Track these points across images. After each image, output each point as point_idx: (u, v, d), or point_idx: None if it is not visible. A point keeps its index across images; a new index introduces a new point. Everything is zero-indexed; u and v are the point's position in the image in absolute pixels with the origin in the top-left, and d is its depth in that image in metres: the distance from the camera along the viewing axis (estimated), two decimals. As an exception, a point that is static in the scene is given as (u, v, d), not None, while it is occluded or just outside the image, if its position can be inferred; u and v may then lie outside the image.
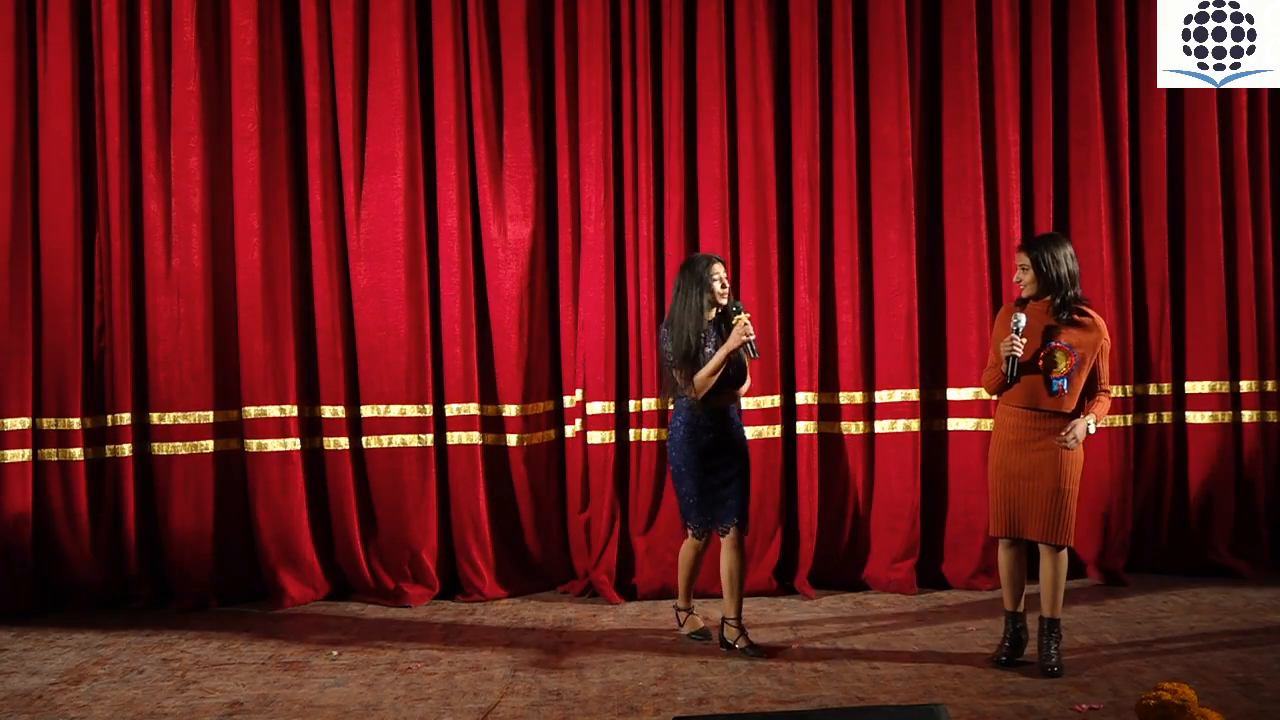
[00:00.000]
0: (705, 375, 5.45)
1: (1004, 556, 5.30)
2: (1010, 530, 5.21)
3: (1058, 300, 5.13)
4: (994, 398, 5.35)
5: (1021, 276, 5.19)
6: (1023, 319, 5.11)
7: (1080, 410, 5.17)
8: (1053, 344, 5.10)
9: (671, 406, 5.73)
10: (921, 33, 6.94)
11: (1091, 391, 5.19)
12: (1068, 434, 5.09)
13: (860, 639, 5.77)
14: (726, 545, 5.59)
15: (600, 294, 6.78)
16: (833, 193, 6.86)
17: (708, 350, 5.49)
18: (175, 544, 6.63)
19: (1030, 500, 5.14)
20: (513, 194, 6.85)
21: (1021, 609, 5.33)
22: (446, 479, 6.85)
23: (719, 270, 5.54)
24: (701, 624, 5.86)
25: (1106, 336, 5.21)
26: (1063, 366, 5.09)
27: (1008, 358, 5.09)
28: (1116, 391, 6.90)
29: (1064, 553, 5.19)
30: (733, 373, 5.54)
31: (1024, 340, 5.09)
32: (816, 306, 6.83)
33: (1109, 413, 6.80)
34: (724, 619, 5.65)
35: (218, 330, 6.74)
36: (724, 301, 5.53)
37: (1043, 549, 5.19)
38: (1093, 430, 5.14)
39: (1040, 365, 5.11)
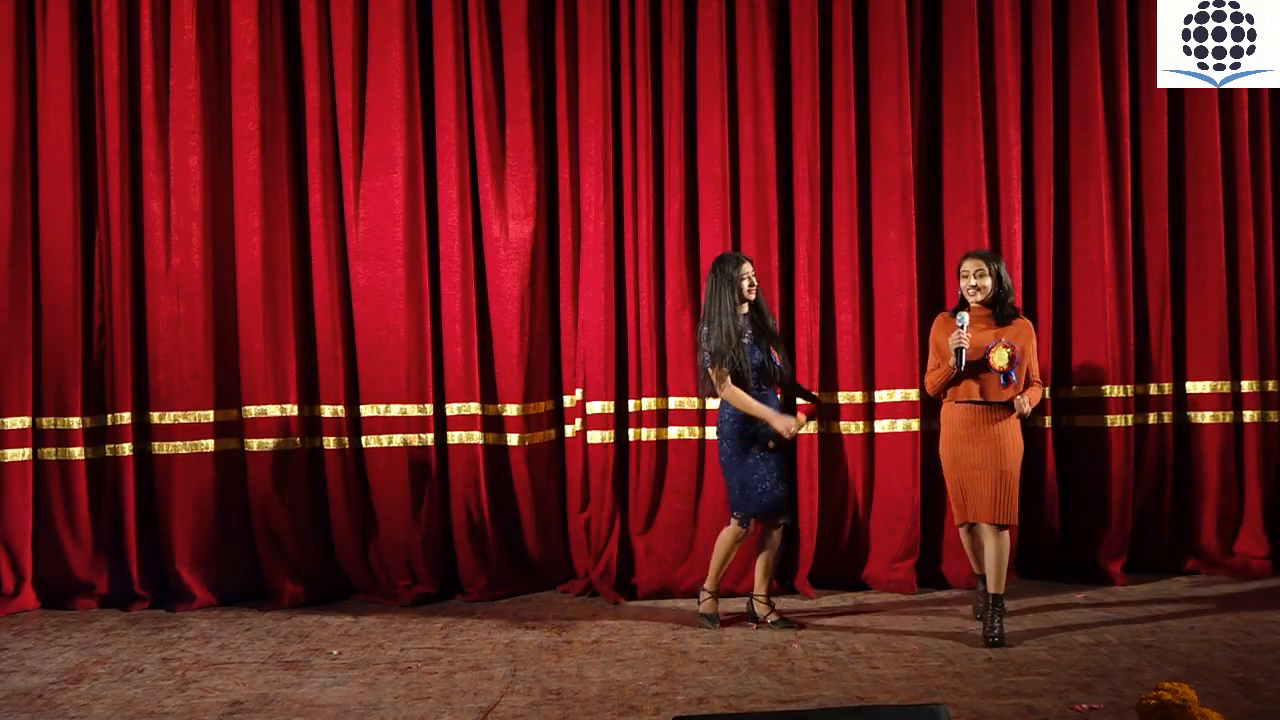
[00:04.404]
0: (740, 401, 5.82)
1: (966, 539, 5.90)
2: (970, 517, 5.73)
3: (1001, 308, 5.72)
4: (941, 398, 5.87)
5: (978, 283, 5.71)
6: (966, 317, 5.63)
7: (1014, 400, 5.71)
8: (997, 342, 5.63)
9: (715, 403, 6.14)
10: (922, 32, 6.93)
11: (1027, 384, 5.73)
12: (1023, 401, 5.65)
13: (860, 639, 5.77)
14: (768, 531, 5.95)
15: (600, 293, 6.78)
16: (833, 192, 6.86)
17: (745, 342, 5.82)
18: (175, 543, 6.63)
19: (980, 486, 5.65)
20: (514, 193, 6.85)
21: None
22: (447, 478, 6.85)
23: (748, 270, 5.89)
24: (716, 610, 6.00)
25: (1032, 335, 5.79)
26: (1007, 361, 5.63)
27: (957, 350, 5.59)
28: (1118, 391, 6.92)
29: (1006, 533, 5.68)
30: (769, 370, 5.91)
31: (969, 335, 5.60)
32: (816, 306, 6.82)
33: (1119, 412, 6.93)
34: (755, 596, 6.03)
35: (218, 329, 6.75)
36: (750, 297, 5.88)
37: (988, 530, 5.67)
38: (1027, 409, 5.67)
39: (989, 362, 5.63)
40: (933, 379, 5.81)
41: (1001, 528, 5.62)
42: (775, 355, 5.91)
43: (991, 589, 5.63)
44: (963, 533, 5.88)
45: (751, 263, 5.96)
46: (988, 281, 5.68)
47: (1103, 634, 5.76)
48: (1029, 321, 5.79)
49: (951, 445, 5.76)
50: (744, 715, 4.45)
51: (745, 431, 5.86)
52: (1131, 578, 6.82)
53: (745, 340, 5.83)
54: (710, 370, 5.86)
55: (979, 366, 5.64)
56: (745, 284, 5.84)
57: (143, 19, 6.66)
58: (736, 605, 6.22)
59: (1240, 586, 6.68)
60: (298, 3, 6.78)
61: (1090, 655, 5.41)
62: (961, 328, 5.59)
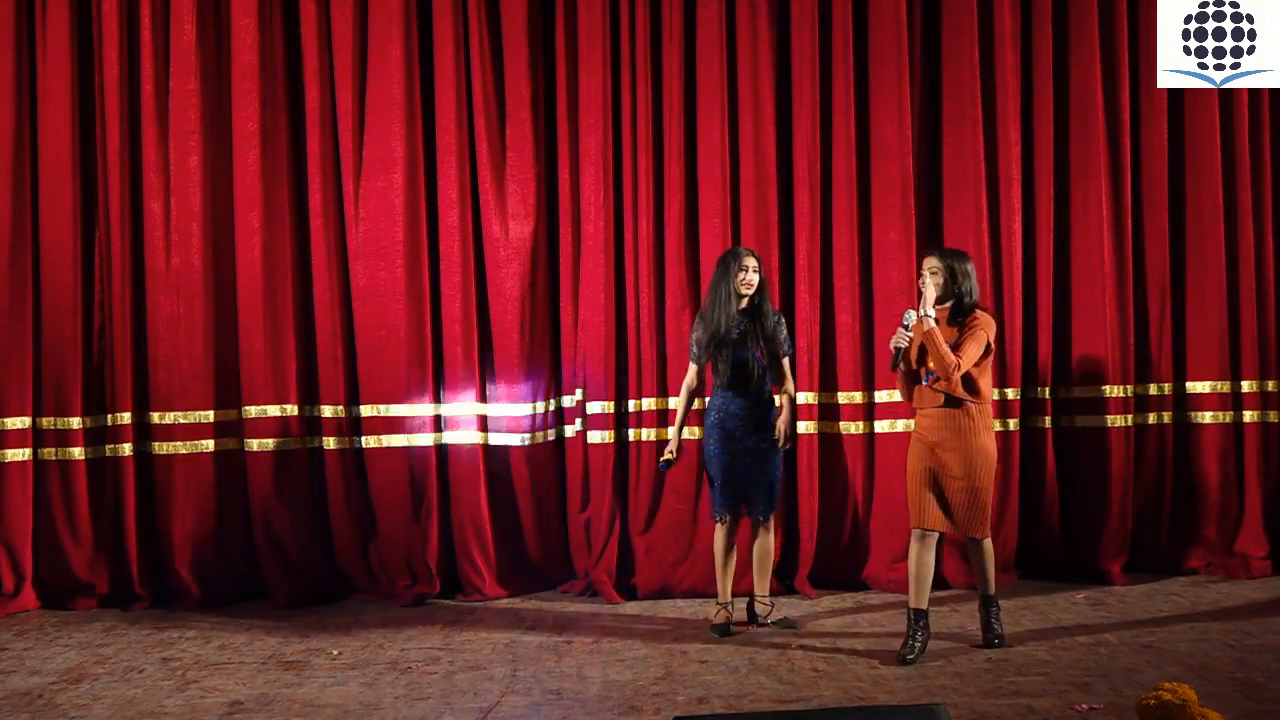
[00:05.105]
0: (679, 397, 6.01)
1: (914, 548, 5.44)
2: (928, 523, 5.41)
3: (956, 309, 5.45)
4: (911, 402, 5.64)
5: (929, 280, 5.45)
6: (912, 315, 5.40)
7: (964, 401, 5.39)
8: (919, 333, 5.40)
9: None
10: (922, 32, 6.93)
11: (972, 384, 5.41)
12: (895, 332, 5.40)
13: (860, 639, 5.77)
14: (758, 529, 5.92)
15: (600, 293, 6.78)
16: (833, 192, 6.86)
17: (732, 337, 5.80)
18: (175, 543, 6.63)
19: (945, 496, 5.41)
20: (514, 193, 6.85)
21: (926, 607, 5.44)
22: (447, 478, 6.84)
23: (749, 262, 5.85)
24: (725, 620, 5.90)
25: (983, 327, 5.43)
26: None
27: (895, 349, 5.38)
28: (1118, 391, 6.91)
29: (988, 541, 5.51)
30: (750, 370, 5.85)
31: (910, 335, 5.38)
32: (816, 306, 6.83)
33: (1119, 412, 6.81)
34: (755, 596, 6.01)
35: (218, 330, 6.75)
36: (745, 292, 5.82)
37: (969, 541, 5.54)
38: (902, 341, 5.35)
39: (931, 366, 5.39)
40: (898, 385, 5.66)
41: (979, 539, 5.48)
42: (761, 356, 5.85)
43: (984, 591, 5.58)
44: (913, 543, 5.43)
45: (756, 258, 5.90)
46: (936, 279, 5.42)
47: (1103, 634, 5.76)
48: (989, 318, 5.46)
49: (915, 448, 5.49)
50: (744, 715, 4.45)
51: (721, 425, 5.86)
52: (1131, 578, 6.82)
53: (733, 335, 5.81)
54: (692, 361, 5.95)
55: (921, 367, 5.46)
56: (741, 277, 5.80)
57: (143, 19, 6.66)
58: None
59: (1240, 586, 6.68)
60: (298, 3, 6.77)
61: (1090, 655, 5.41)
62: (904, 326, 5.39)
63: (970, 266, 5.52)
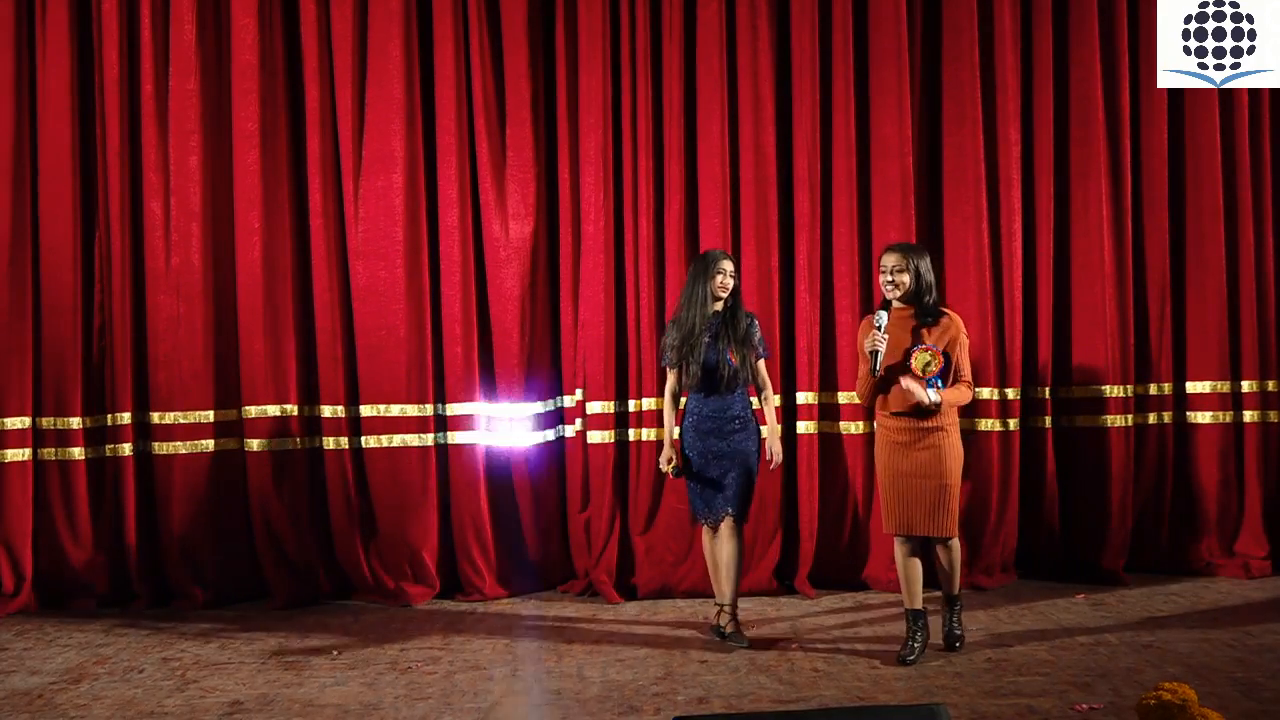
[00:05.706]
0: (664, 406, 5.89)
1: (900, 552, 5.44)
2: (903, 528, 5.37)
3: (921, 305, 5.33)
4: (876, 404, 5.48)
5: (895, 279, 5.32)
6: (884, 316, 5.29)
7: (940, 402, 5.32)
8: (919, 347, 5.27)
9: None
10: (922, 32, 6.94)
11: (954, 383, 5.35)
12: (907, 384, 5.22)
13: (860, 639, 5.77)
14: (723, 533, 5.74)
15: (600, 293, 6.78)
16: (833, 192, 6.86)
17: (705, 340, 5.69)
18: (175, 544, 6.63)
19: (917, 498, 5.32)
20: (514, 192, 6.85)
21: (922, 606, 5.42)
22: (447, 478, 6.85)
23: (726, 266, 5.74)
24: (726, 625, 5.76)
25: (962, 332, 5.37)
26: (934, 367, 5.26)
27: (871, 353, 5.24)
28: (1118, 391, 6.91)
29: (955, 541, 5.43)
30: (723, 373, 5.70)
31: (886, 337, 5.25)
32: (816, 306, 6.83)
33: (1119, 412, 6.83)
34: (720, 605, 5.79)
35: (218, 330, 6.75)
36: (722, 294, 5.72)
37: (937, 542, 5.43)
38: (932, 399, 5.24)
39: (911, 368, 5.26)
40: (859, 388, 5.48)
41: (947, 539, 5.39)
42: (733, 358, 5.70)
43: (948, 592, 5.52)
44: (898, 547, 5.42)
45: (732, 261, 5.80)
46: (906, 277, 5.28)
47: (1103, 634, 5.76)
48: (958, 318, 5.39)
49: (884, 452, 5.40)
50: (744, 715, 4.45)
51: (690, 427, 5.78)
52: (1131, 578, 6.82)
53: (705, 337, 5.70)
54: (665, 363, 5.85)
55: (902, 372, 5.26)
56: (719, 279, 5.69)
57: (143, 19, 6.66)
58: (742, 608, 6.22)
59: (1240, 586, 6.68)
60: (298, 3, 6.77)
61: (1090, 655, 5.41)
62: (878, 328, 5.24)
63: (929, 262, 5.39)
